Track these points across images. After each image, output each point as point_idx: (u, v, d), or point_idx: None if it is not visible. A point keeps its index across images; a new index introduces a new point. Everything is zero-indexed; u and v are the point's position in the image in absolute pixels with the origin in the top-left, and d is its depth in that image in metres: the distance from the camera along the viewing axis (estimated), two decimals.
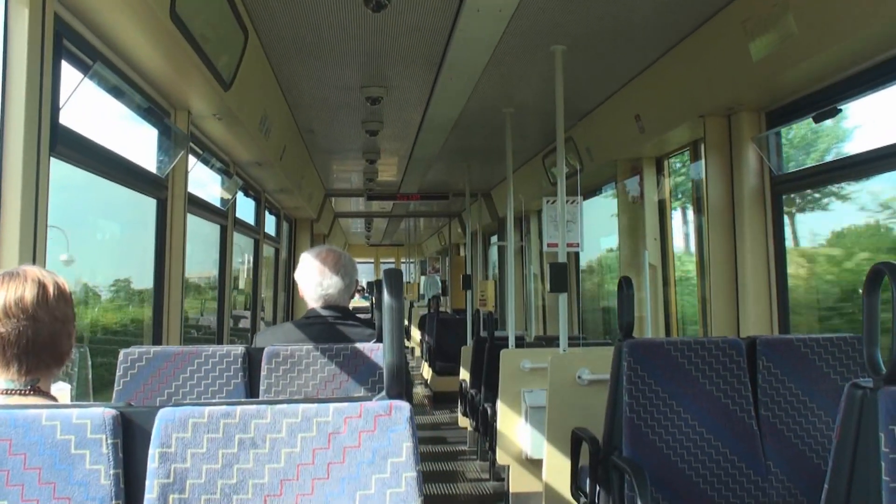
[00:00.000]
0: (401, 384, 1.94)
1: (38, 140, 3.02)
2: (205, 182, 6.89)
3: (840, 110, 4.52)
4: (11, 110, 2.92)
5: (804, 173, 5.06)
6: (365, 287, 17.62)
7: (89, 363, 3.50)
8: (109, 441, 1.89)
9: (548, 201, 6.43)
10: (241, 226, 7.88)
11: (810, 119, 4.74)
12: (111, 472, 1.88)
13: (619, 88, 6.74)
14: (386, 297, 1.91)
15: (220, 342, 6.96)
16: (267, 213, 9.86)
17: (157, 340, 4.96)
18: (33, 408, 1.92)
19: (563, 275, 5.44)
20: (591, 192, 9.11)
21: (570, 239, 5.97)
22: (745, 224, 5.33)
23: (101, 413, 1.90)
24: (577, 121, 7.80)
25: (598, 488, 3.98)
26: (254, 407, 1.92)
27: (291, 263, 12.16)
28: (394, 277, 1.93)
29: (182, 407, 1.91)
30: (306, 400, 1.97)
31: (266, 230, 9.77)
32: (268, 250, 10.62)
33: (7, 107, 2.92)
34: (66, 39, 3.44)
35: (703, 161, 5.80)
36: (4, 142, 2.90)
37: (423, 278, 24.19)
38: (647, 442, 3.70)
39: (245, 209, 8.53)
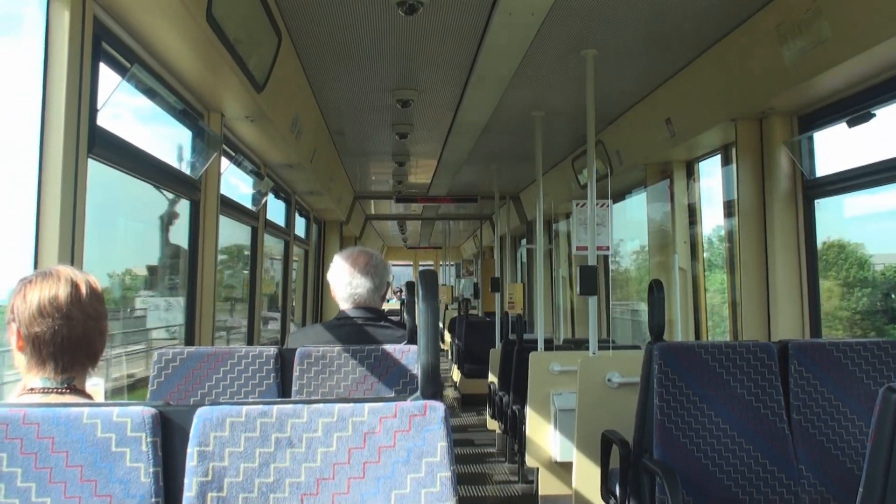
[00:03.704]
0: (436, 384, 1.95)
1: (76, 141, 3.06)
2: (236, 183, 6.94)
3: (874, 115, 4.49)
4: (51, 111, 2.96)
5: (838, 177, 5.02)
6: (402, 289, 17.63)
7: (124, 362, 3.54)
8: (149, 439, 1.91)
9: (577, 204, 6.43)
10: (271, 227, 7.92)
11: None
12: (151, 469, 1.90)
13: (650, 92, 6.72)
14: (421, 298, 1.93)
15: (250, 343, 7.00)
16: (297, 214, 9.90)
17: (189, 341, 5.00)
18: (74, 406, 1.95)
19: (592, 278, 5.44)
20: (620, 195, 9.09)
21: (600, 242, 5.97)
22: (776, 228, 5.30)
23: (140, 412, 1.93)
24: (606, 124, 7.79)
25: (628, 491, 3.98)
26: (290, 406, 1.94)
27: (321, 265, 12.20)
28: (428, 278, 1.95)
29: (220, 406, 1.93)
30: (342, 400, 1.98)
31: (296, 232, 9.81)
32: (297, 252, 10.65)
33: (47, 108, 2.96)
34: (104, 42, 3.48)
35: (734, 165, 5.78)
36: (44, 142, 2.95)
37: (461, 281, 24.26)
38: (678, 445, 3.70)
39: (276, 211, 8.57)
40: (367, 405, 1.94)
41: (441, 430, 1.93)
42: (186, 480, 1.89)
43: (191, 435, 1.92)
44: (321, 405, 1.94)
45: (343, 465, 1.90)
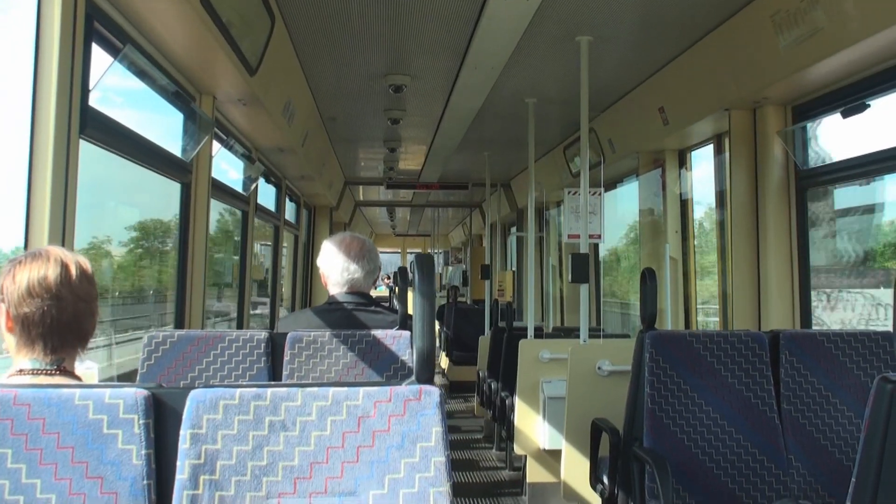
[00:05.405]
0: (431, 369, 1.94)
1: (68, 122, 3.04)
2: (227, 167, 6.91)
3: (869, 106, 4.48)
4: (42, 92, 2.93)
5: (831, 168, 5.03)
6: (391, 276, 17.59)
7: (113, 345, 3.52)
8: (141, 421, 1.90)
9: (569, 192, 6.42)
10: (261, 212, 7.89)
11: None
12: (143, 451, 1.89)
13: (643, 80, 6.70)
14: (417, 282, 1.91)
15: (240, 327, 6.98)
16: (287, 199, 9.87)
17: (179, 324, 4.98)
18: (66, 387, 1.93)
19: (584, 266, 5.43)
20: (611, 184, 9.08)
21: (592, 230, 5.96)
22: (768, 218, 5.30)
23: (133, 393, 1.92)
24: (599, 112, 7.76)
25: (617, 479, 3.98)
26: (284, 389, 1.93)
27: (311, 250, 12.18)
28: (424, 263, 1.93)
29: (213, 389, 1.92)
30: (336, 383, 1.98)
31: (286, 217, 9.78)
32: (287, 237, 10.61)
33: (38, 88, 2.93)
34: (96, 21, 3.44)
35: (727, 154, 5.78)
36: (35, 123, 2.92)
37: (449, 269, 24.26)
38: (669, 433, 3.70)
39: (266, 195, 8.53)
40: (361, 389, 1.93)
41: (436, 414, 1.92)
42: (179, 463, 1.88)
43: (184, 417, 1.91)
44: (315, 388, 1.93)
45: (337, 449, 1.90)
